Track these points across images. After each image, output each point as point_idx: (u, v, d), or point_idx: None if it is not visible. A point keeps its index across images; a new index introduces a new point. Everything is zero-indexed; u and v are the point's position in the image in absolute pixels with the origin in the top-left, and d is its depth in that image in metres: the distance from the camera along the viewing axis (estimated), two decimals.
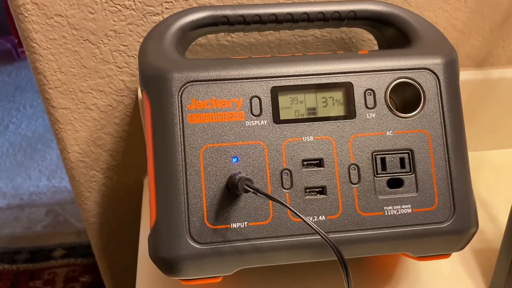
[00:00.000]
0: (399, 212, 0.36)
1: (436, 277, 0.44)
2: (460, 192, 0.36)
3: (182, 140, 0.34)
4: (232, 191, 0.34)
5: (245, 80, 0.36)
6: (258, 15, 0.42)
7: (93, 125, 0.53)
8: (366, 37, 0.51)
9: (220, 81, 0.35)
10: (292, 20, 0.43)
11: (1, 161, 1.68)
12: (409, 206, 0.36)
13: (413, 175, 0.36)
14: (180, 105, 0.35)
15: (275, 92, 0.36)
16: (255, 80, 0.36)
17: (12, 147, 1.73)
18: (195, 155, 0.34)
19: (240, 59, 0.37)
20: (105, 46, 0.47)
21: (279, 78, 0.36)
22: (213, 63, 0.36)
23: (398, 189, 0.36)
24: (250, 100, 0.35)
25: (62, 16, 0.46)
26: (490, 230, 0.50)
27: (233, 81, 0.36)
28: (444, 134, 0.37)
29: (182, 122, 0.34)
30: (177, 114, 0.34)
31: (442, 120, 0.37)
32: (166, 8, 0.46)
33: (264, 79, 0.36)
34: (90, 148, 0.55)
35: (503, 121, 0.60)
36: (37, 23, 0.45)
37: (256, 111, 0.36)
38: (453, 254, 0.44)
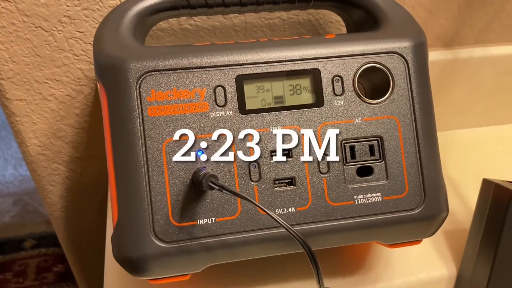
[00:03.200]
0: (370, 201, 0.35)
1: (407, 260, 0.44)
2: (430, 178, 0.36)
3: (142, 134, 0.32)
4: (197, 187, 0.32)
5: (208, 69, 0.34)
6: None
7: (51, 116, 0.50)
8: (334, 19, 0.49)
9: (181, 70, 0.33)
10: (257, 3, 0.41)
11: None
12: (380, 194, 0.35)
13: (383, 162, 0.35)
14: (138, 97, 0.32)
15: (240, 80, 0.34)
16: (219, 68, 0.34)
17: None
18: (157, 150, 0.33)
19: (202, 46, 0.35)
20: (59, 33, 0.44)
21: (244, 66, 0.34)
22: (173, 50, 0.34)
23: (368, 177, 0.35)
24: (214, 89, 0.34)
25: (10, 2, 0.42)
26: (459, 210, 0.51)
27: (195, 70, 0.34)
28: (413, 119, 0.36)
29: (142, 115, 0.32)
30: (136, 106, 0.32)
31: (412, 105, 0.36)
32: None
33: (228, 67, 0.34)
34: (50, 141, 0.52)
35: (471, 100, 0.60)
36: None
37: (220, 101, 0.34)
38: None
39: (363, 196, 0.35)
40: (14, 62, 0.45)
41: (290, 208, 0.34)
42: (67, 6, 0.43)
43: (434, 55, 0.53)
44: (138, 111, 0.32)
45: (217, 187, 0.30)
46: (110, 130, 0.33)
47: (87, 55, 0.46)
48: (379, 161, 0.36)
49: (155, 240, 0.32)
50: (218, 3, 0.40)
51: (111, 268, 0.42)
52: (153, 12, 0.39)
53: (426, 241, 0.46)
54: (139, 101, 0.33)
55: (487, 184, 0.43)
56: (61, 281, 1.22)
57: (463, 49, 0.55)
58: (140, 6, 0.38)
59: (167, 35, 0.47)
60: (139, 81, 0.33)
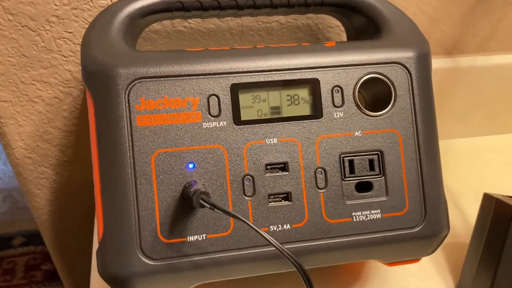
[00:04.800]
0: (368, 218, 0.33)
1: (404, 274, 0.43)
2: (432, 195, 0.34)
3: (130, 145, 0.31)
4: (188, 202, 0.31)
5: (201, 77, 0.32)
6: (217, 1, 0.38)
7: (38, 118, 0.48)
8: (334, 24, 0.48)
9: (173, 78, 0.32)
10: (254, 6, 0.39)
11: None
12: (379, 211, 0.34)
13: (383, 178, 0.34)
14: (127, 105, 0.31)
15: (235, 89, 0.32)
16: (213, 76, 0.32)
17: None
18: (145, 162, 0.31)
19: (196, 51, 0.33)
20: (47, 33, 0.42)
21: (239, 74, 0.33)
22: (165, 56, 0.32)
23: (367, 193, 0.34)
24: (208, 99, 0.32)
25: None
26: (458, 224, 0.49)
27: (188, 77, 0.32)
28: (415, 133, 0.34)
29: (130, 124, 0.31)
30: (124, 115, 0.30)
31: (414, 118, 0.34)
32: None
33: (223, 75, 0.32)
34: (37, 144, 0.50)
35: (472, 109, 0.59)
36: None
37: (214, 111, 0.32)
38: None
39: (361, 213, 0.34)
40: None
41: (285, 225, 0.33)
42: (56, 5, 0.41)
43: (435, 63, 0.52)
44: (127, 120, 0.31)
45: (208, 206, 0.28)
46: (96, 139, 0.31)
47: (76, 56, 0.44)
48: (379, 176, 0.34)
49: (142, 257, 0.30)
50: (214, 6, 0.38)
51: (98, 280, 0.40)
52: (145, 14, 0.37)
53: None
54: (127, 110, 0.31)
55: (488, 199, 0.41)
56: (49, 280, 1.20)
57: (465, 57, 0.54)
58: (131, 8, 0.36)
59: (160, 37, 0.45)
60: (128, 89, 0.31)
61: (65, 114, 0.49)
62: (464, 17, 0.52)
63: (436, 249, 0.36)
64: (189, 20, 0.45)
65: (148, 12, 0.37)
